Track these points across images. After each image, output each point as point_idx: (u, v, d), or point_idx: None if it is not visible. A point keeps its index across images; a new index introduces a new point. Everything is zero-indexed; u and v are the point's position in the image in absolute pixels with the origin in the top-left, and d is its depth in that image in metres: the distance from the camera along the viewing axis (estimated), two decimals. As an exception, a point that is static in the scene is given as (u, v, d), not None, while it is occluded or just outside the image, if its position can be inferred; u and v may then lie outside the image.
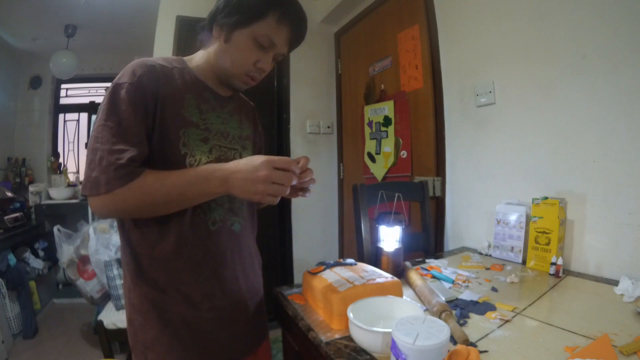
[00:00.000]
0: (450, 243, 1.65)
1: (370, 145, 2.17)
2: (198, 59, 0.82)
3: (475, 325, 0.73)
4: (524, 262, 1.17)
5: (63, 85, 3.69)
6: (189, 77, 0.78)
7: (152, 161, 0.70)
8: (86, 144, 3.67)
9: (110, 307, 1.84)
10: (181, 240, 0.73)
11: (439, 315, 0.72)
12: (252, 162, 0.64)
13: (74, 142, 3.80)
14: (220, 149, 0.79)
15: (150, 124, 0.69)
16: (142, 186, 0.65)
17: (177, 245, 0.73)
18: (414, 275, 0.93)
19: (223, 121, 0.82)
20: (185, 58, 0.83)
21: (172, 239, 0.72)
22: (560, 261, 1.03)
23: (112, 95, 0.68)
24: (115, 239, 1.99)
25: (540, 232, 1.11)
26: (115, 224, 1.87)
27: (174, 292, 0.73)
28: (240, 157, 0.82)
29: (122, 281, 0.92)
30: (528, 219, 1.18)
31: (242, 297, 0.81)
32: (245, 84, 0.80)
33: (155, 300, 0.72)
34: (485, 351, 0.62)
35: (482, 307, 0.81)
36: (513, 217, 1.23)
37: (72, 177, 3.45)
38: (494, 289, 0.94)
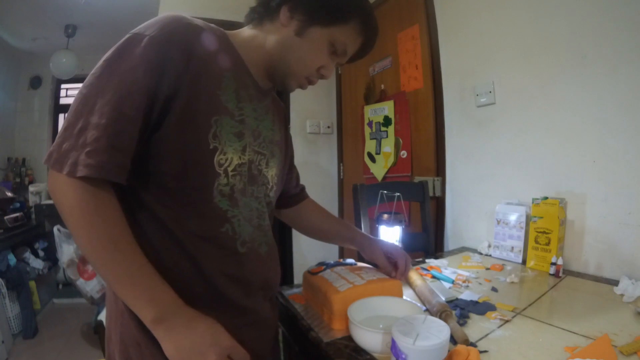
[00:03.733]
0: (450, 243, 1.65)
1: (370, 145, 2.17)
2: (246, 37, 0.68)
3: (475, 325, 0.73)
4: (524, 262, 1.17)
5: (63, 85, 3.69)
6: (230, 54, 0.64)
7: (161, 152, 0.55)
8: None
9: (110, 307, 1.83)
10: (202, 264, 0.58)
11: (439, 315, 0.71)
12: (215, 333, 0.52)
13: (74, 142, 3.80)
14: (253, 150, 0.66)
15: (161, 102, 0.53)
16: (92, 209, 0.49)
17: (196, 270, 0.58)
18: (414, 275, 0.93)
19: (257, 117, 0.68)
20: (228, 32, 0.67)
21: (189, 260, 0.58)
22: (560, 261, 1.03)
23: (124, 47, 0.53)
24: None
25: (540, 232, 1.11)
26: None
27: None
28: (267, 165, 0.70)
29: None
30: (528, 219, 1.18)
31: (261, 326, 0.69)
32: (299, 86, 0.70)
33: (152, 341, 0.53)
34: (485, 351, 0.62)
35: (482, 307, 0.81)
36: (513, 217, 1.23)
37: (72, 177, 3.45)
38: (494, 289, 0.94)
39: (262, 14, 0.68)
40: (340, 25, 0.64)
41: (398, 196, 1.35)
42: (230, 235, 0.61)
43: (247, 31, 0.69)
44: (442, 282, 1.00)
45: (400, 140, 1.94)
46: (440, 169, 1.69)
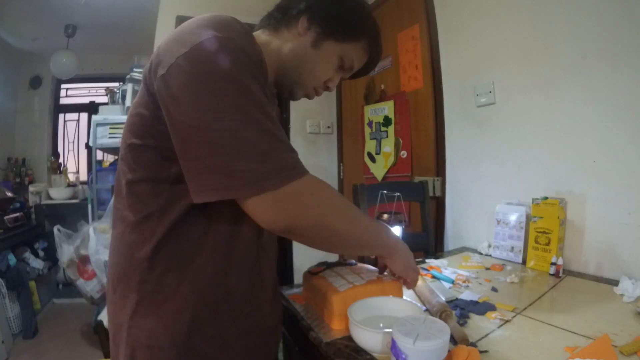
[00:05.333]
0: (450, 243, 1.65)
1: (370, 145, 2.17)
2: (263, 42, 0.66)
3: (475, 325, 0.73)
4: (524, 262, 1.17)
5: (63, 85, 3.69)
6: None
7: None
8: (86, 144, 3.65)
9: (110, 307, 1.83)
10: (232, 260, 0.58)
11: (439, 315, 0.71)
12: (407, 248, 0.73)
13: (73, 142, 3.81)
14: None
15: None
16: (310, 192, 0.53)
17: (226, 264, 0.58)
18: (414, 275, 0.93)
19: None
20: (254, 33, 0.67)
21: (219, 255, 0.58)
22: (560, 261, 1.03)
23: (235, 55, 0.49)
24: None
25: (540, 232, 1.11)
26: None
27: (205, 327, 0.56)
28: None
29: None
30: (528, 219, 1.18)
31: (270, 335, 0.70)
32: (306, 96, 0.72)
33: (175, 336, 0.54)
34: (485, 351, 0.62)
35: (482, 307, 0.81)
36: (513, 217, 1.22)
37: (72, 177, 3.45)
38: (494, 289, 0.94)
39: (279, 20, 0.68)
40: (352, 42, 0.67)
41: (398, 196, 1.35)
42: (253, 233, 0.64)
43: (262, 36, 0.69)
44: (442, 282, 1.00)
45: (400, 140, 1.94)
46: (440, 169, 1.69)
